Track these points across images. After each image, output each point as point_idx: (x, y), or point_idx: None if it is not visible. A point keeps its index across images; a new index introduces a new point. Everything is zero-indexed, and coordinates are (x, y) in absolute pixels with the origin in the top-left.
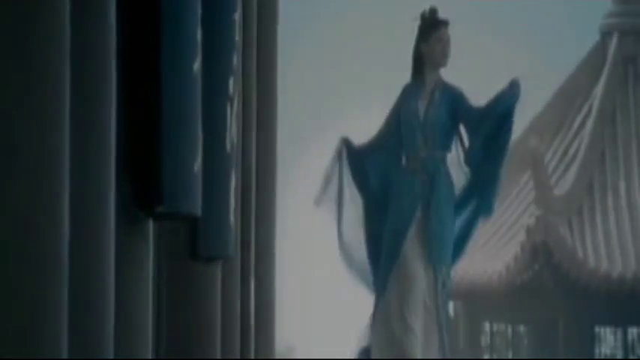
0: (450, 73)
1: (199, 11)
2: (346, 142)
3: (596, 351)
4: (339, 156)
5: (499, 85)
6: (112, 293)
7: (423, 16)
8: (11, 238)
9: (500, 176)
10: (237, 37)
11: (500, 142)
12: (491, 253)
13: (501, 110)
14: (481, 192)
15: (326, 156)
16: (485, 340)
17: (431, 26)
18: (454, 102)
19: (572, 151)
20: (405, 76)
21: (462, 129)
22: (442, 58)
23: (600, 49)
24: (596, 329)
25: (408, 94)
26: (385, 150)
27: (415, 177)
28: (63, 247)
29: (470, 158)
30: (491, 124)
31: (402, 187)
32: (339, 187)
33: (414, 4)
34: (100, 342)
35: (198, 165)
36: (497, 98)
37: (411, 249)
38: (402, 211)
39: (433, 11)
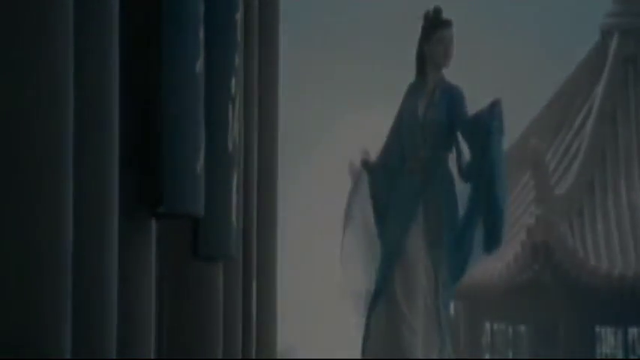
0: (450, 73)
1: (201, 11)
2: (365, 164)
3: (597, 351)
4: (355, 179)
5: (499, 86)
6: (114, 293)
7: (426, 16)
8: (14, 239)
9: (499, 205)
10: (239, 36)
11: (489, 162)
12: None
13: (482, 132)
14: (486, 225)
15: (328, 155)
16: (485, 340)
17: (434, 26)
18: (452, 103)
19: (572, 151)
20: (410, 75)
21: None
22: (444, 59)
23: (601, 49)
24: (597, 329)
25: (411, 94)
26: (391, 151)
27: (416, 177)
28: (66, 248)
29: (460, 168)
30: (474, 144)
31: (403, 187)
32: (348, 208)
33: (418, 3)
34: (102, 342)
35: (200, 165)
36: (476, 119)
37: (412, 249)
38: (403, 210)
39: (437, 11)
